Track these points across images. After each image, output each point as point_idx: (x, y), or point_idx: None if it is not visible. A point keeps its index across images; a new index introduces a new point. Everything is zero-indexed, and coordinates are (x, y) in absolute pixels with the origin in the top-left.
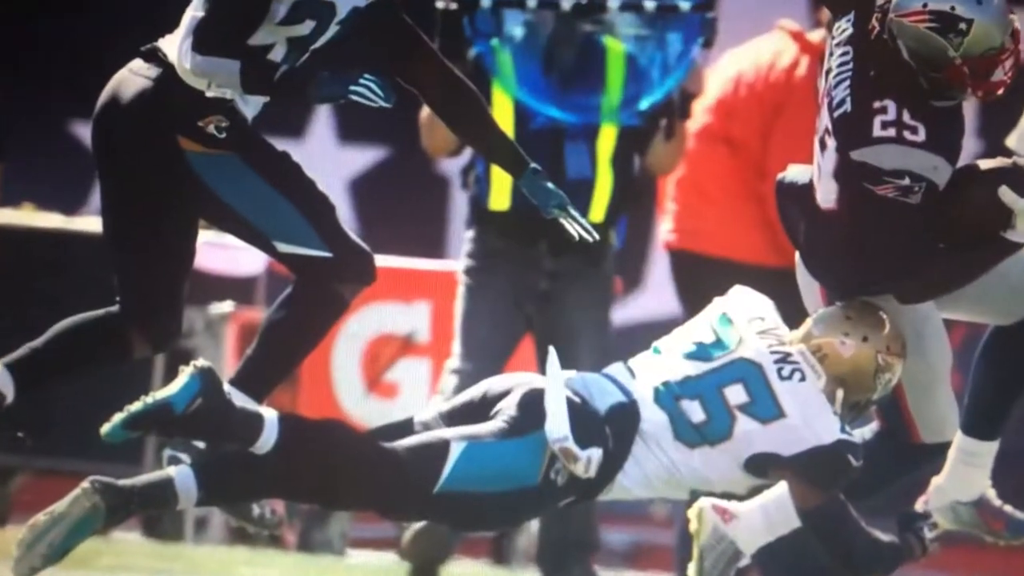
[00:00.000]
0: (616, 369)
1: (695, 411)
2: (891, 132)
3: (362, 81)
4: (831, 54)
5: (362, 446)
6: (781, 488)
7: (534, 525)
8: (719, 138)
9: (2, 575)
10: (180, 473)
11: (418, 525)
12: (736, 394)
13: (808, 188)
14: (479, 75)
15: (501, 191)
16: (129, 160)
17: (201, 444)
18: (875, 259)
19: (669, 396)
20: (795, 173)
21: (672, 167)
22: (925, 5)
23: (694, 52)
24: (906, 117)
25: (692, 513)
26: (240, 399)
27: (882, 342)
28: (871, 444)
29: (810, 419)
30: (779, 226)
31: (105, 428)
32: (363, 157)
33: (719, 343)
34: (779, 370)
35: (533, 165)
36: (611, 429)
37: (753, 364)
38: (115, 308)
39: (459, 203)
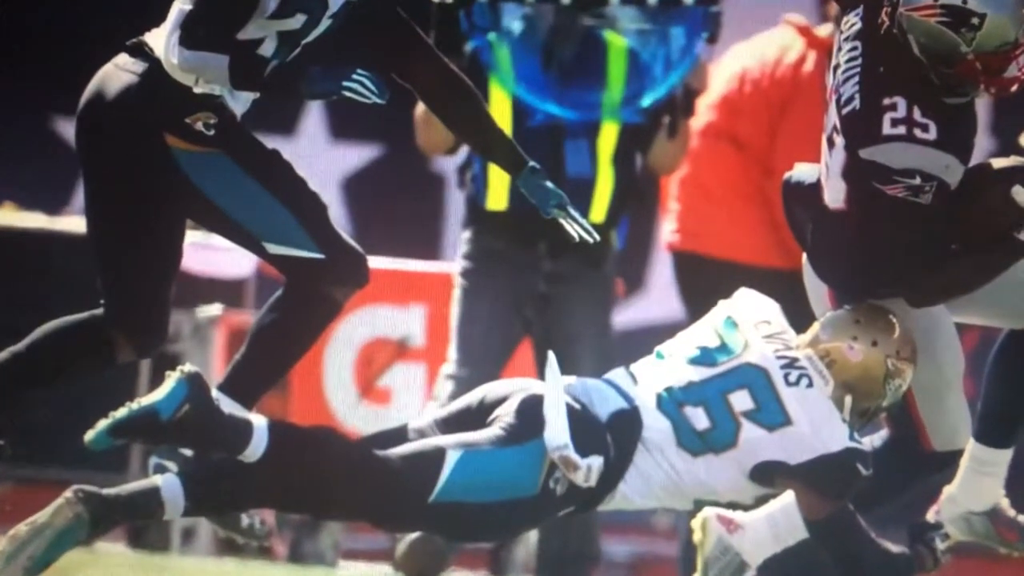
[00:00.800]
0: (617, 374)
1: (699, 418)
2: (901, 130)
3: (355, 77)
4: (839, 49)
5: (355, 454)
6: (788, 497)
7: (533, 536)
8: (724, 136)
9: None
10: (166, 482)
11: (412, 536)
12: (741, 400)
13: (815, 188)
14: (476, 70)
15: (499, 190)
16: (114, 158)
17: (188, 452)
18: (885, 261)
19: (672, 402)
20: (802, 172)
21: (675, 166)
22: None
23: (698, 47)
24: (917, 114)
25: (696, 524)
26: (228, 405)
27: (892, 347)
28: (880, 452)
29: (818, 426)
30: (785, 227)
31: (89, 435)
32: (356, 155)
33: (724, 348)
34: (786, 376)
35: (532, 163)
36: (612, 437)
37: (759, 369)
38: (99, 311)
39: (455, 203)
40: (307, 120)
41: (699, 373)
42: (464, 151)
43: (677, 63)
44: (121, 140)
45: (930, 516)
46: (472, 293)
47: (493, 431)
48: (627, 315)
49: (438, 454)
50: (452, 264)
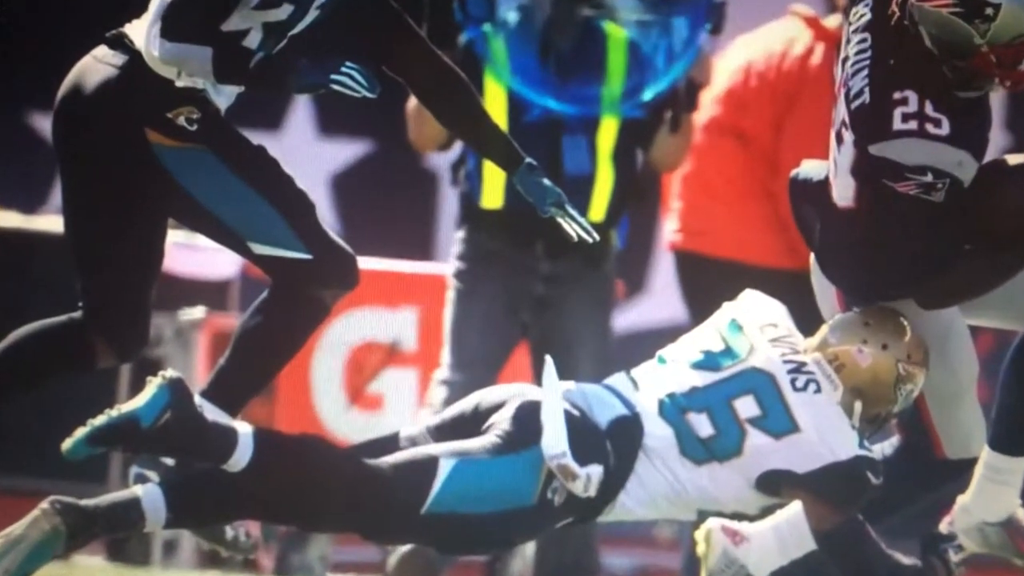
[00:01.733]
0: (618, 380)
1: (703, 425)
2: (912, 125)
3: (344, 69)
4: (848, 41)
5: (344, 463)
6: (795, 508)
7: (529, 548)
8: (728, 131)
9: None
10: (147, 492)
11: (404, 548)
12: (747, 407)
13: (823, 185)
14: (470, 63)
15: (494, 188)
16: (93, 155)
17: (170, 461)
18: (896, 261)
19: (675, 409)
20: (810, 169)
21: (678, 162)
22: None
23: (701, 39)
24: (928, 109)
25: (699, 535)
26: (212, 412)
27: (903, 350)
28: (891, 460)
29: (826, 433)
30: (792, 226)
31: (66, 444)
32: (345, 151)
33: (728, 352)
34: (793, 381)
35: (528, 160)
36: (612, 445)
37: (765, 374)
38: (78, 314)
39: (449, 201)
40: (294, 115)
41: (703, 378)
42: (458, 147)
43: (679, 55)
44: (100, 136)
45: (943, 527)
46: (466, 295)
47: (488, 439)
48: (628, 318)
49: (431, 463)
50: (445, 265)
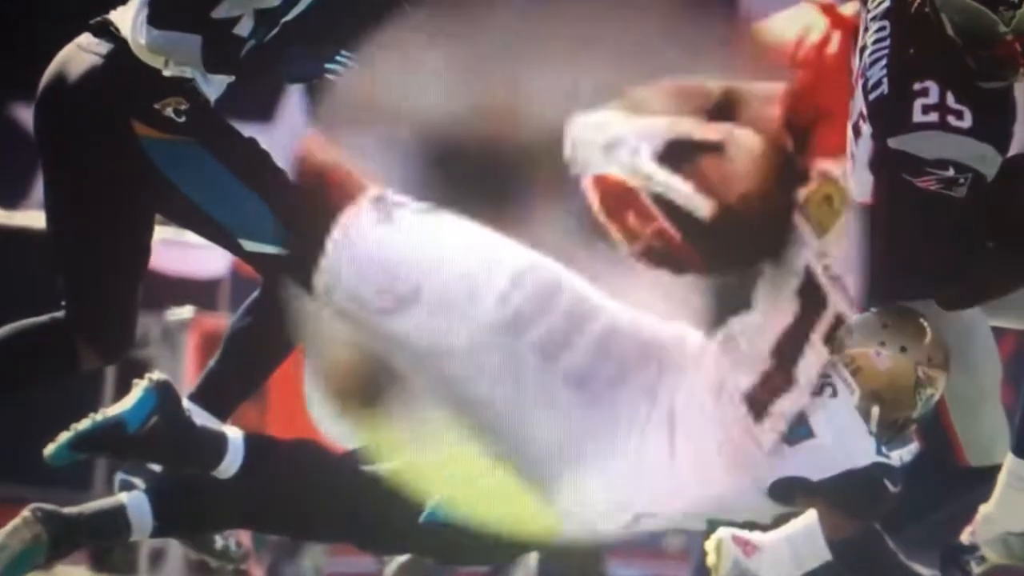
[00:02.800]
0: None
1: None
2: (933, 117)
3: (338, 59)
4: (866, 29)
5: (339, 470)
6: (810, 517)
7: (533, 559)
8: None
9: None
10: (133, 500)
11: (402, 559)
12: None
13: None
14: None
15: None
16: (77, 147)
17: (157, 467)
18: (915, 260)
19: None
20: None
21: None
22: None
23: None
24: (950, 100)
25: (710, 545)
26: (201, 417)
27: (923, 353)
28: (910, 467)
29: (842, 439)
30: None
31: (49, 449)
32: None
33: None
34: None
35: None
36: None
37: None
38: (60, 314)
39: None
40: (286, 106)
41: None
42: None
43: None
44: (84, 128)
45: (964, 537)
46: None
47: None
48: None
49: None
50: None
